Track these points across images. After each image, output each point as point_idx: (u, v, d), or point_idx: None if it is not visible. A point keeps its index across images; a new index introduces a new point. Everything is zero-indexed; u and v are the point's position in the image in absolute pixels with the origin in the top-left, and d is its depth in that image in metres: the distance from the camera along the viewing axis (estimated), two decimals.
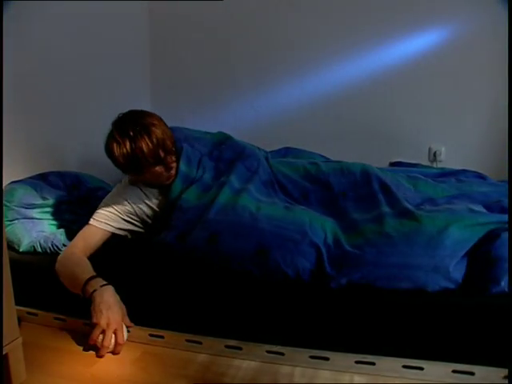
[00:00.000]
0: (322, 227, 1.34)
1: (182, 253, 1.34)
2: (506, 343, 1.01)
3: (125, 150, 1.34)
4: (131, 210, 1.49)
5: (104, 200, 1.51)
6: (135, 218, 1.51)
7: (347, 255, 1.25)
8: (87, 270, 1.32)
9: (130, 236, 1.52)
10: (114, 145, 1.35)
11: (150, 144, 1.34)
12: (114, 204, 1.47)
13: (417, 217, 1.28)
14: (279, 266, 1.25)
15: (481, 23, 2.27)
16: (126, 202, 1.47)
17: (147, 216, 1.51)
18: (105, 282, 1.27)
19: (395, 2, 2.37)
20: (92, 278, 1.27)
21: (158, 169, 1.41)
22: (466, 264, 1.21)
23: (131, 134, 1.34)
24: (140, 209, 1.50)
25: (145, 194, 1.50)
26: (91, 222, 1.45)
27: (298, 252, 1.26)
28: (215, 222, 1.35)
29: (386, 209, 1.37)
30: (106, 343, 1.18)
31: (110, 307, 1.20)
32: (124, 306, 1.26)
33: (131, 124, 1.36)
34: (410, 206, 1.36)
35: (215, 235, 1.31)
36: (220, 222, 1.34)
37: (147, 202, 1.50)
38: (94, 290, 1.23)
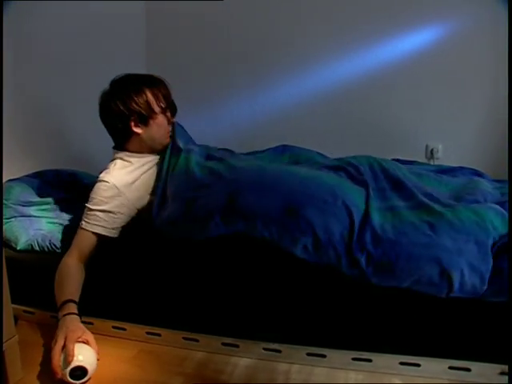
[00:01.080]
0: (351, 193, 1.25)
1: (193, 218, 1.23)
2: (504, 340, 1.01)
3: (160, 89, 1.50)
4: (124, 202, 1.41)
5: (92, 195, 1.41)
6: (130, 207, 1.43)
7: (372, 230, 1.17)
8: (68, 290, 1.27)
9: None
10: (149, 90, 1.47)
11: (167, 88, 1.53)
12: (105, 200, 1.39)
13: (437, 210, 1.22)
14: (311, 227, 1.14)
15: (479, 21, 2.27)
16: (118, 192, 1.40)
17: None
18: (73, 311, 1.20)
19: (392, 0, 2.37)
20: (66, 301, 1.22)
21: (166, 117, 1.51)
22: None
23: (149, 80, 1.52)
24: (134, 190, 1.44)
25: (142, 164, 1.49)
26: (83, 225, 1.39)
27: (330, 213, 1.16)
28: (233, 181, 1.23)
29: (400, 203, 1.30)
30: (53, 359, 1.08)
31: (67, 328, 1.14)
32: (89, 332, 1.17)
33: (146, 76, 1.55)
34: (427, 201, 1.29)
35: (234, 193, 1.19)
36: (238, 181, 1.23)
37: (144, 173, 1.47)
38: (62, 315, 1.19)
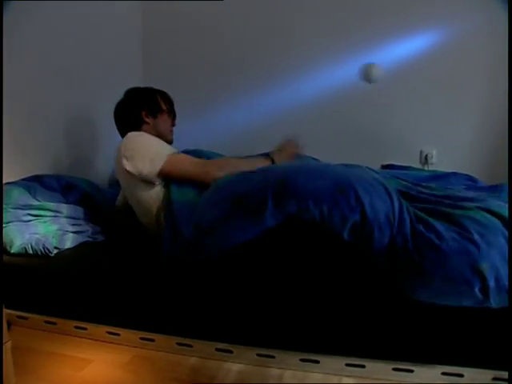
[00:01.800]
0: (390, 185, 1.28)
1: (245, 213, 1.24)
2: (497, 346, 1.02)
3: (166, 96, 1.84)
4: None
5: (142, 159, 1.52)
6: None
7: (409, 218, 1.19)
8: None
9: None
10: (158, 94, 1.83)
11: (171, 100, 1.86)
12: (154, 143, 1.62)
13: (457, 212, 1.22)
14: (361, 204, 1.15)
15: (472, 27, 2.28)
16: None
17: None
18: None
19: (387, 5, 2.38)
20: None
21: (169, 118, 1.82)
22: None
23: (158, 89, 1.86)
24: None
25: None
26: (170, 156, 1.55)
27: (376, 195, 1.18)
28: (281, 170, 1.29)
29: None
30: None
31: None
32: None
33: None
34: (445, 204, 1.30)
35: (285, 179, 1.22)
36: (287, 169, 1.29)
37: None
38: None
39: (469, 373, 1.10)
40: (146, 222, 1.61)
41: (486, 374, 1.09)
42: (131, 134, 1.60)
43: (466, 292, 1.08)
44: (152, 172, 1.50)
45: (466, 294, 1.08)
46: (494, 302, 1.07)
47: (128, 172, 1.52)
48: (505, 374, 1.06)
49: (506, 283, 1.06)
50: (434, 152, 2.40)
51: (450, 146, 2.38)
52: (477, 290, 1.07)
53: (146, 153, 1.53)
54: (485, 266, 1.06)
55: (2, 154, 1.05)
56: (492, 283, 1.06)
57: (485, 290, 1.07)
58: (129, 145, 1.55)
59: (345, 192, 1.17)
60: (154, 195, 1.54)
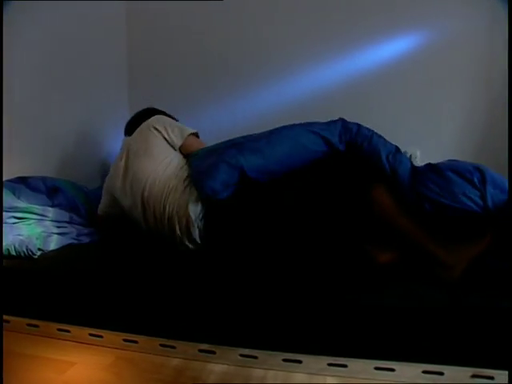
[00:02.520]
0: None
1: None
2: (504, 345, 1.04)
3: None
4: None
5: (170, 124, 1.73)
6: None
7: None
8: None
9: None
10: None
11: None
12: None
13: None
14: (395, 145, 1.62)
15: (455, 28, 2.31)
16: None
17: None
18: None
19: (369, 7, 2.40)
20: None
21: None
22: None
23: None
24: None
25: None
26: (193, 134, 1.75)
27: None
28: None
29: None
30: None
31: None
32: None
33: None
34: None
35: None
36: None
37: None
38: None
39: (449, 371, 1.11)
40: (159, 191, 1.58)
41: (466, 372, 1.10)
42: (158, 115, 1.81)
43: (468, 180, 1.38)
44: (178, 138, 1.69)
45: (468, 183, 1.38)
46: (490, 196, 1.35)
47: (155, 130, 1.68)
48: (483, 371, 1.08)
49: (500, 184, 1.37)
50: (418, 153, 2.42)
51: (434, 146, 2.40)
52: (476, 179, 1.37)
53: (175, 123, 1.76)
54: (484, 170, 1.39)
55: (1, 154, 1.04)
56: (489, 178, 1.37)
57: (483, 181, 1.36)
58: (156, 118, 1.75)
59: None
60: (175, 158, 1.66)
